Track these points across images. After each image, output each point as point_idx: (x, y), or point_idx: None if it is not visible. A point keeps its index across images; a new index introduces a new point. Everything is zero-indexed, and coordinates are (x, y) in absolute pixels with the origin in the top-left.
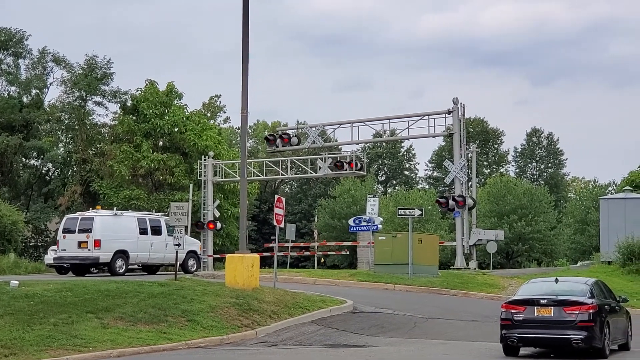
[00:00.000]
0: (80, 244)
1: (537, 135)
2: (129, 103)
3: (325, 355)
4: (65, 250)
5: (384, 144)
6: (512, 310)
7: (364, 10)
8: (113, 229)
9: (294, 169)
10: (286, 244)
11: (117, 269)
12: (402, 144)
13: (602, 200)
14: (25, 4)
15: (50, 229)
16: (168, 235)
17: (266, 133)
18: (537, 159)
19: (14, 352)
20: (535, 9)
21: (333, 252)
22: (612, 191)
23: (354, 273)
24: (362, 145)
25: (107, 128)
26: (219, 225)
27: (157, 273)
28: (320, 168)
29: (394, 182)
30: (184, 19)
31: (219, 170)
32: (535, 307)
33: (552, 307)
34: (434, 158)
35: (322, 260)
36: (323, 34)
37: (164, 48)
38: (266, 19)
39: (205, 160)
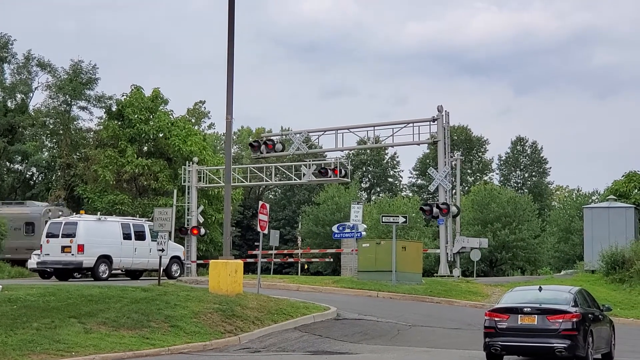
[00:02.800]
0: (63, 249)
1: (522, 143)
2: (114, 108)
3: None
4: (48, 254)
5: (368, 151)
6: (496, 319)
7: (349, 17)
8: (97, 233)
9: (278, 175)
10: (270, 251)
11: (101, 274)
12: (387, 151)
13: (586, 209)
14: (9, 9)
15: None
16: (152, 240)
17: (250, 139)
18: (521, 167)
19: None
20: (519, 19)
21: (317, 259)
22: (596, 200)
23: (337, 280)
24: (347, 152)
25: (91, 133)
26: (202, 230)
27: (141, 278)
28: (304, 174)
29: (378, 189)
30: (169, 25)
31: (204, 176)
32: (519, 316)
33: (536, 316)
34: (418, 165)
35: (306, 266)
36: (307, 41)
37: (150, 54)
38: (251, 26)
39: (189, 165)
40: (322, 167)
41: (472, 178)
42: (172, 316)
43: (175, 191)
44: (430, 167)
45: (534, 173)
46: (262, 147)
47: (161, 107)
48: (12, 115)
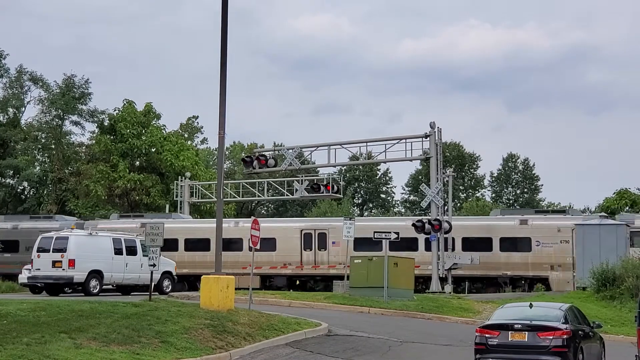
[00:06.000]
0: (54, 264)
1: (513, 160)
2: (106, 122)
3: None
4: (39, 269)
5: (360, 167)
6: (487, 335)
7: (343, 34)
8: (88, 248)
9: (270, 190)
10: (262, 266)
11: (91, 289)
12: (379, 167)
13: (577, 226)
14: (1, 23)
15: None
16: (143, 255)
17: (243, 155)
18: (513, 184)
19: None
20: (513, 36)
21: None
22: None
23: (329, 296)
24: (339, 167)
25: (83, 147)
26: None
27: (132, 293)
28: (296, 190)
29: (371, 205)
30: (162, 40)
31: (196, 191)
32: (510, 332)
33: (526, 332)
34: (410, 182)
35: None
36: (301, 57)
37: (142, 69)
38: (244, 42)
39: (181, 180)
40: (315, 183)
41: (464, 194)
42: (163, 332)
43: (167, 206)
44: (423, 184)
45: (525, 190)
46: (255, 162)
47: (154, 122)
48: (4, 129)
